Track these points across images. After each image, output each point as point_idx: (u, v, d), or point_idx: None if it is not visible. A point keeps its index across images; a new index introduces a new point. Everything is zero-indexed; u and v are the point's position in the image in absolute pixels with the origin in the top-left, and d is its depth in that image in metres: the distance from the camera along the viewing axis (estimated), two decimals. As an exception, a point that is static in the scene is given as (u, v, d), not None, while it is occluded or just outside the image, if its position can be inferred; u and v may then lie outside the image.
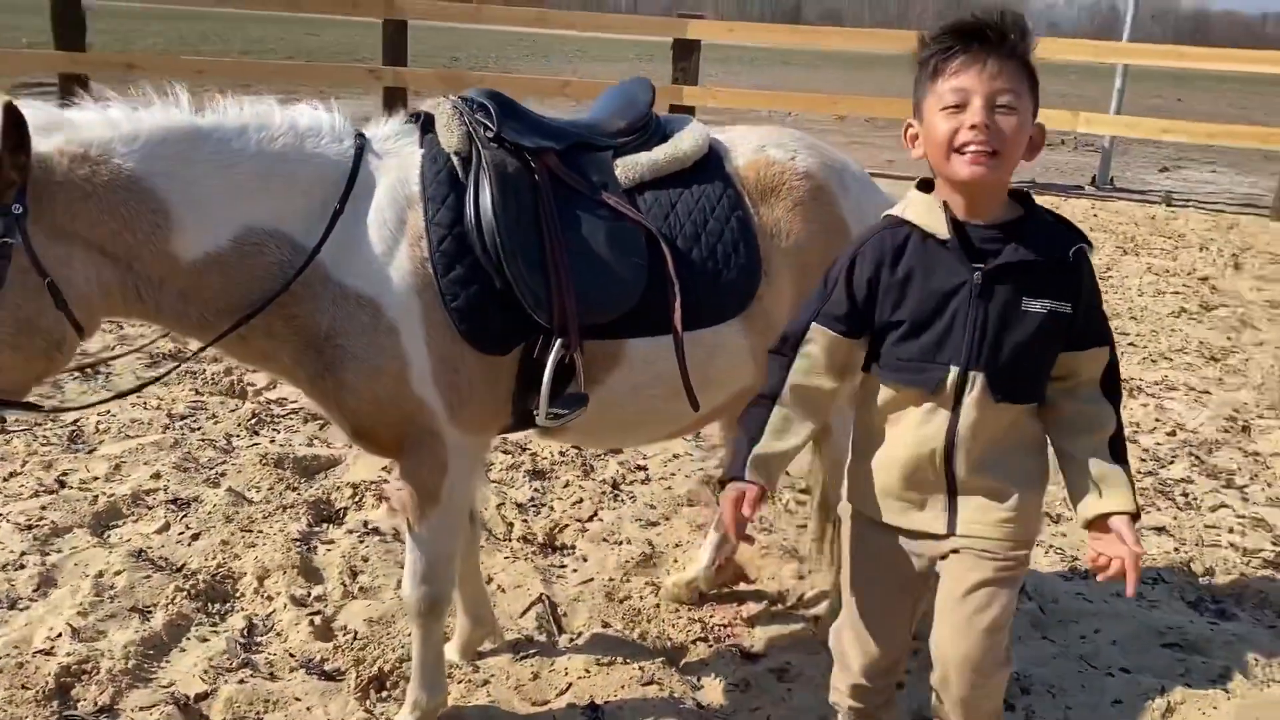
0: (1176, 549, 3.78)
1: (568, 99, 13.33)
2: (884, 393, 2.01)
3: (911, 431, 1.98)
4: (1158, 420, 5.06)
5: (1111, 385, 1.98)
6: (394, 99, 12.12)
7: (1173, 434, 4.92)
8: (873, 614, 2.16)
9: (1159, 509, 4.13)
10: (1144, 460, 4.58)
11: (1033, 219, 1.92)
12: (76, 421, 4.29)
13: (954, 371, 1.91)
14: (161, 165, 2.11)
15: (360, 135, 2.36)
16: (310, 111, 2.34)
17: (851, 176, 2.80)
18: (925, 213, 1.94)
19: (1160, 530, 3.94)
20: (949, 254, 1.90)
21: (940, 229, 1.91)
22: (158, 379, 2.64)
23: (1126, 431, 4.58)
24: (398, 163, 2.35)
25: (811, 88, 23.25)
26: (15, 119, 1.92)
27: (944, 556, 2.06)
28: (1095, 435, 1.96)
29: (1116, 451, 1.96)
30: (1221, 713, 2.83)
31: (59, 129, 2.07)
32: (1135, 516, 1.93)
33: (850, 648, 2.20)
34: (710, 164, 2.60)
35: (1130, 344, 6.31)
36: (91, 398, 4.29)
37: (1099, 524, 1.94)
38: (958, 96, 1.82)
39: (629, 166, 2.51)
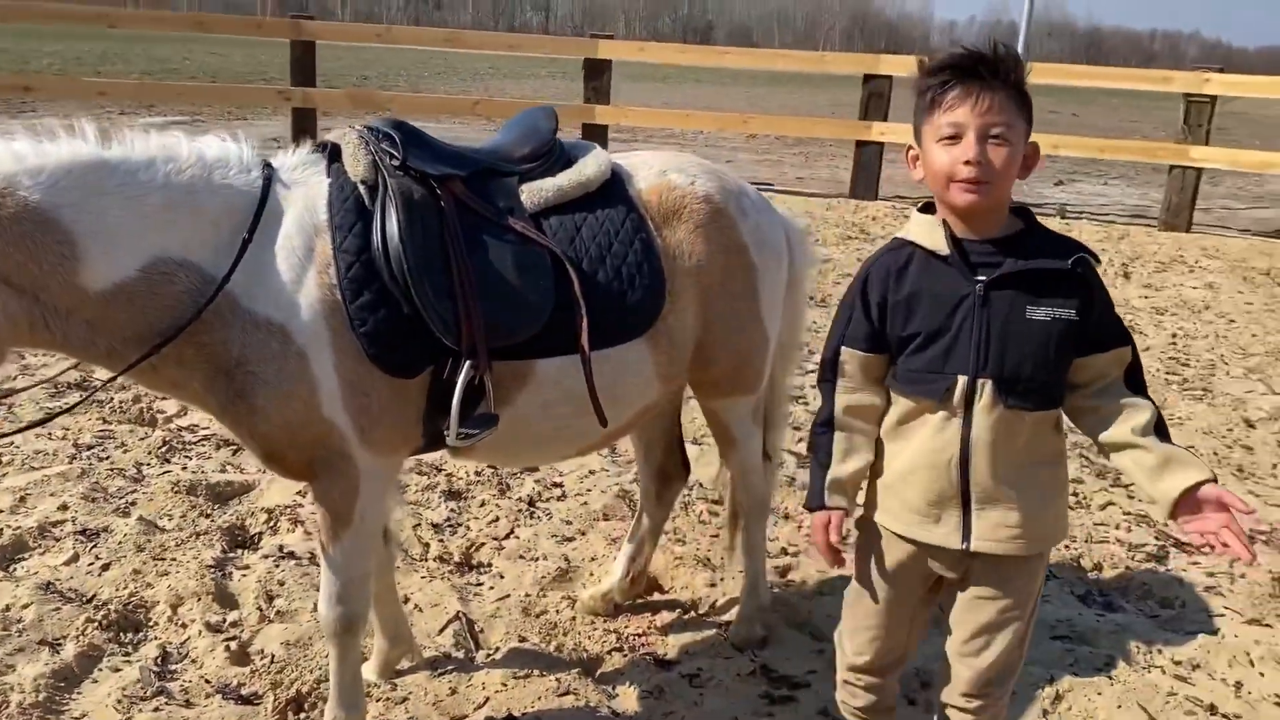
0: (1067, 546, 3.98)
1: (479, 117, 13.40)
2: (900, 405, 2.13)
3: (927, 442, 2.08)
4: (1051, 424, 5.29)
5: (1137, 380, 2.05)
6: (303, 120, 12.04)
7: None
8: (876, 621, 2.26)
9: (1051, 509, 4.33)
10: (1038, 463, 4.79)
11: (1032, 233, 2.05)
12: (-22, 454, 4.21)
13: (962, 380, 2.02)
14: (68, 197, 2.13)
15: (268, 165, 2.41)
16: (218, 143, 2.38)
17: (749, 200, 2.93)
18: (927, 232, 2.07)
19: (1052, 529, 4.13)
20: (951, 269, 2.03)
21: (941, 246, 2.04)
22: (69, 409, 2.64)
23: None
24: (305, 192, 2.40)
25: (723, 106, 23.62)
26: None
27: (961, 576, 2.16)
28: (1140, 424, 2.00)
29: (1163, 434, 2.01)
30: (1105, 698, 3.00)
31: None
32: (1214, 481, 1.95)
33: (850, 653, 2.32)
34: (614, 189, 2.70)
35: (1026, 352, 6.58)
36: (-6, 429, 4.21)
37: (1185, 503, 1.94)
38: (953, 129, 1.96)
39: (534, 192, 2.60)
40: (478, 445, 2.54)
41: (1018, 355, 1.99)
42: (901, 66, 12.51)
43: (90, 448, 4.38)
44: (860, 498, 2.26)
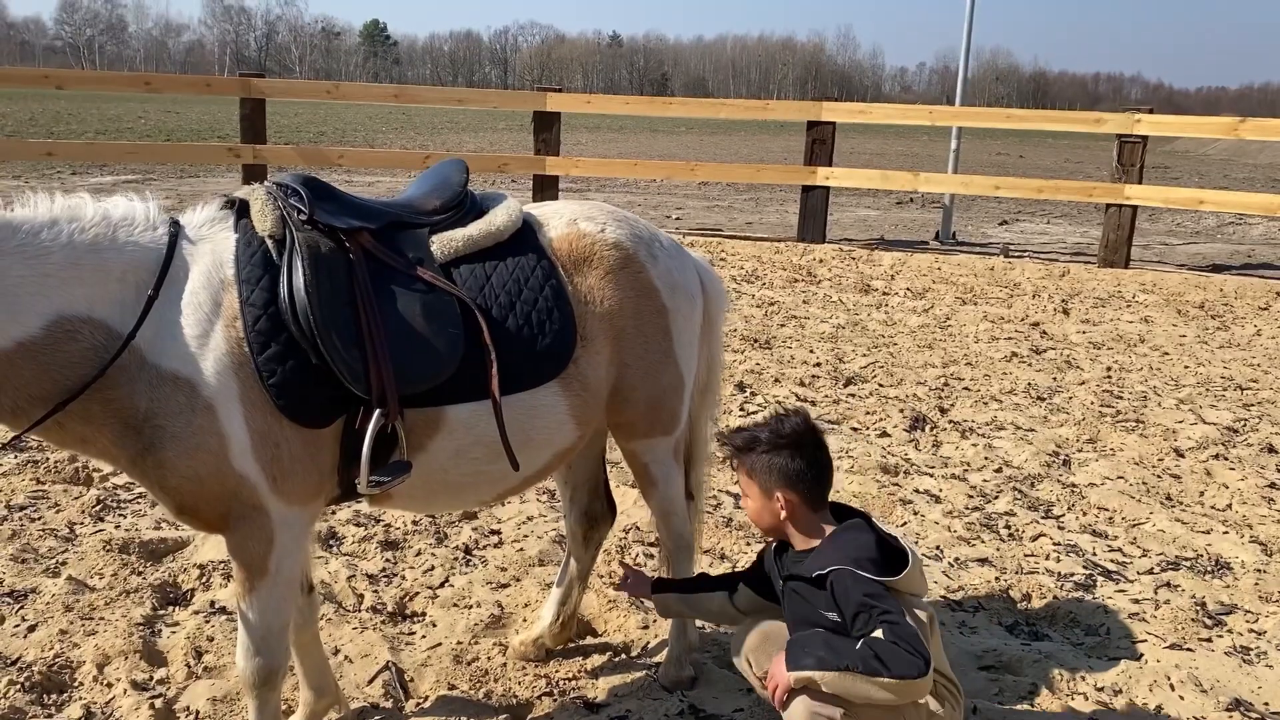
0: (997, 578, 4.05)
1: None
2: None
3: None
4: (986, 459, 5.40)
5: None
6: (254, 176, 12.07)
7: (999, 470, 5.26)
8: None
9: (984, 541, 4.41)
10: (971, 497, 4.88)
11: (823, 543, 2.57)
12: (-95, 519, 4.15)
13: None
14: None
15: (175, 223, 2.45)
16: (125, 203, 2.41)
17: (659, 245, 3.00)
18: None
19: (984, 561, 4.21)
20: (774, 564, 2.74)
21: (772, 550, 2.78)
22: None
23: (958, 470, 4.85)
24: (212, 247, 2.44)
25: (677, 155, 23.92)
26: None
27: None
28: None
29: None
30: (1026, 725, 3.05)
31: None
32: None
33: None
34: (524, 238, 2.77)
35: (965, 388, 6.71)
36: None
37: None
38: None
39: (445, 242, 2.66)
40: (393, 492, 2.56)
41: (803, 628, 2.53)
42: (844, 113, 12.81)
43: (23, 508, 4.34)
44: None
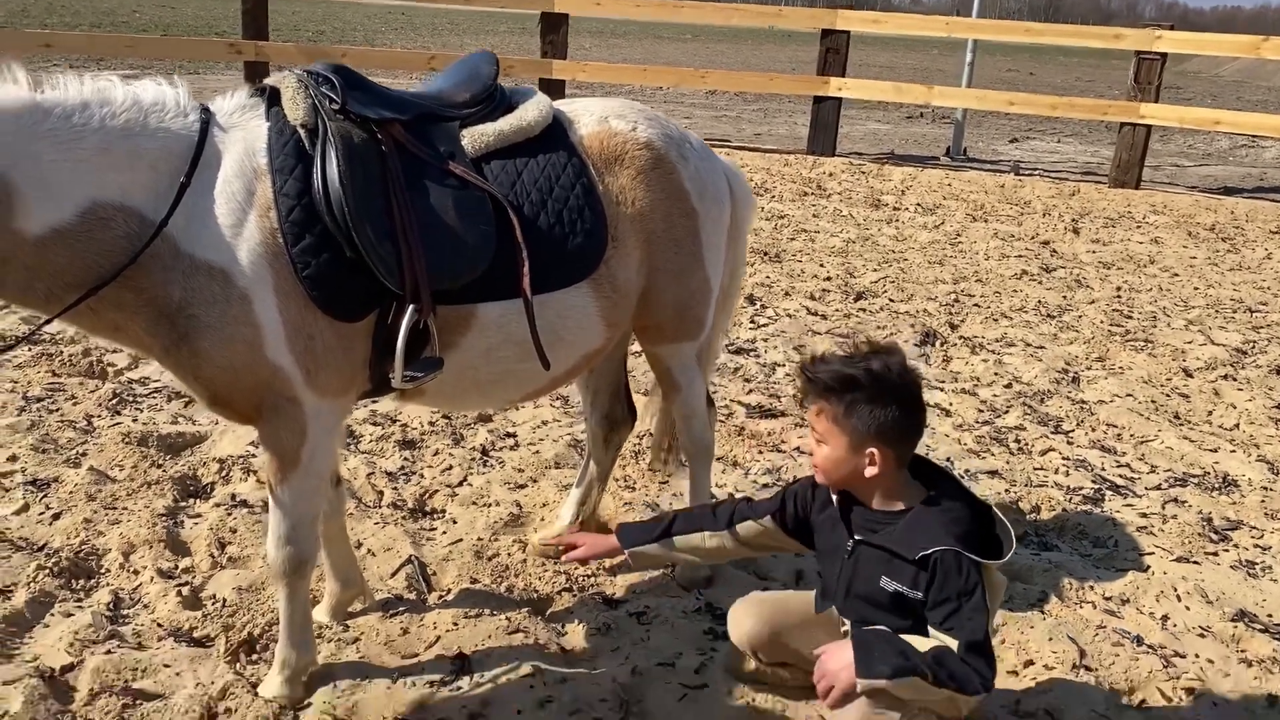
0: (1007, 490, 4.10)
1: (435, 72, 13.30)
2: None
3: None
4: (995, 374, 5.42)
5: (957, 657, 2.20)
6: (256, 74, 11.84)
7: (1009, 386, 5.28)
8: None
9: (993, 454, 4.45)
10: (981, 411, 4.91)
11: (918, 512, 2.34)
12: (-76, 407, 4.17)
13: (833, 610, 2.49)
14: (1, 142, 2.12)
15: (205, 110, 2.40)
16: (154, 87, 2.36)
17: (690, 147, 2.96)
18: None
19: (994, 474, 4.25)
20: (840, 520, 2.46)
21: (834, 499, 2.50)
22: (10, 348, 2.64)
23: (968, 385, 4.87)
24: (244, 135, 2.40)
25: (683, 63, 23.48)
26: None
27: None
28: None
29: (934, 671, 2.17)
30: (1037, 631, 3.11)
31: None
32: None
33: None
34: (555, 134, 2.72)
35: (975, 304, 6.70)
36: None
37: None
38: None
39: (475, 136, 2.62)
40: (424, 389, 2.57)
41: (868, 612, 2.37)
42: (859, 22, 12.55)
43: (39, 400, 4.36)
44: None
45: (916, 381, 2.38)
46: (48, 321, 2.28)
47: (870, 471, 2.33)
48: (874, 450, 2.31)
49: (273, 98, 2.45)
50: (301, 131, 2.39)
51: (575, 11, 12.55)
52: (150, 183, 2.27)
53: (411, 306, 2.40)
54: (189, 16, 30.84)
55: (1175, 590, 3.42)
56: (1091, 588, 3.40)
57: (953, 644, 2.19)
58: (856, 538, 2.39)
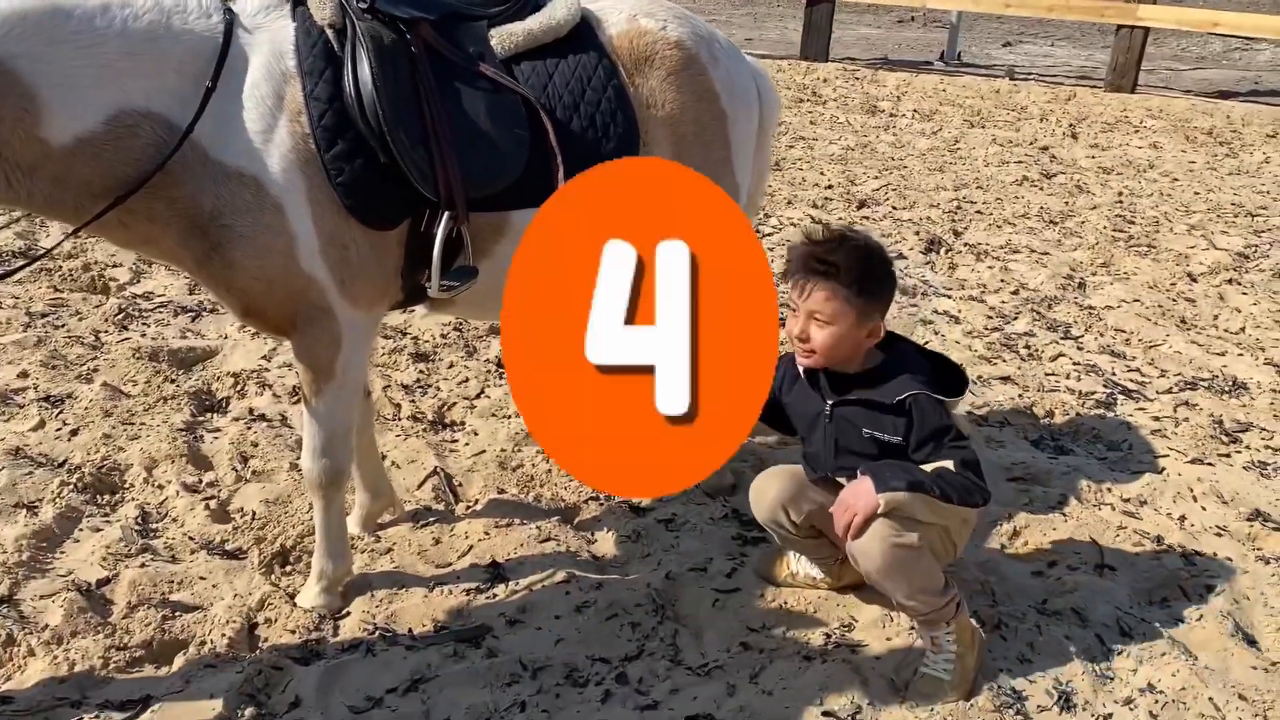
0: (1020, 395, 4.12)
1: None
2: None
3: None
4: (1002, 281, 5.41)
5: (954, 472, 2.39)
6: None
7: (1016, 293, 5.27)
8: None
9: (1005, 360, 4.47)
10: (990, 318, 4.91)
11: (885, 368, 2.48)
12: (-73, 324, 4.10)
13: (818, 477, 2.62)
14: (23, 47, 2.03)
15: (228, 10, 2.31)
16: (173, -15, 2.27)
17: (719, 46, 2.88)
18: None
19: (1006, 379, 4.27)
20: (814, 391, 2.56)
21: (803, 375, 2.58)
22: (33, 262, 2.58)
23: (975, 292, 4.82)
24: (269, 37, 2.31)
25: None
26: None
27: None
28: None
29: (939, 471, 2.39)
30: (1059, 531, 3.16)
31: None
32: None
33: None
34: (584, 34, 2.64)
35: (978, 211, 6.66)
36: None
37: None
38: (794, 305, 2.46)
39: (504, 36, 2.54)
40: (457, 299, 2.54)
41: (858, 463, 2.48)
42: (853, -78, 12.20)
43: (44, 316, 4.29)
44: None
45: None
46: (75, 232, 2.22)
47: (869, 343, 2.46)
48: (879, 323, 2.45)
49: (297, -4, 2.36)
50: (329, 32, 2.31)
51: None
52: (176, 87, 2.19)
53: (446, 214, 2.35)
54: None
55: (1191, 491, 3.47)
56: (1109, 490, 3.44)
57: (944, 466, 2.38)
58: (830, 402, 2.52)
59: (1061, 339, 4.73)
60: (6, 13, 2.03)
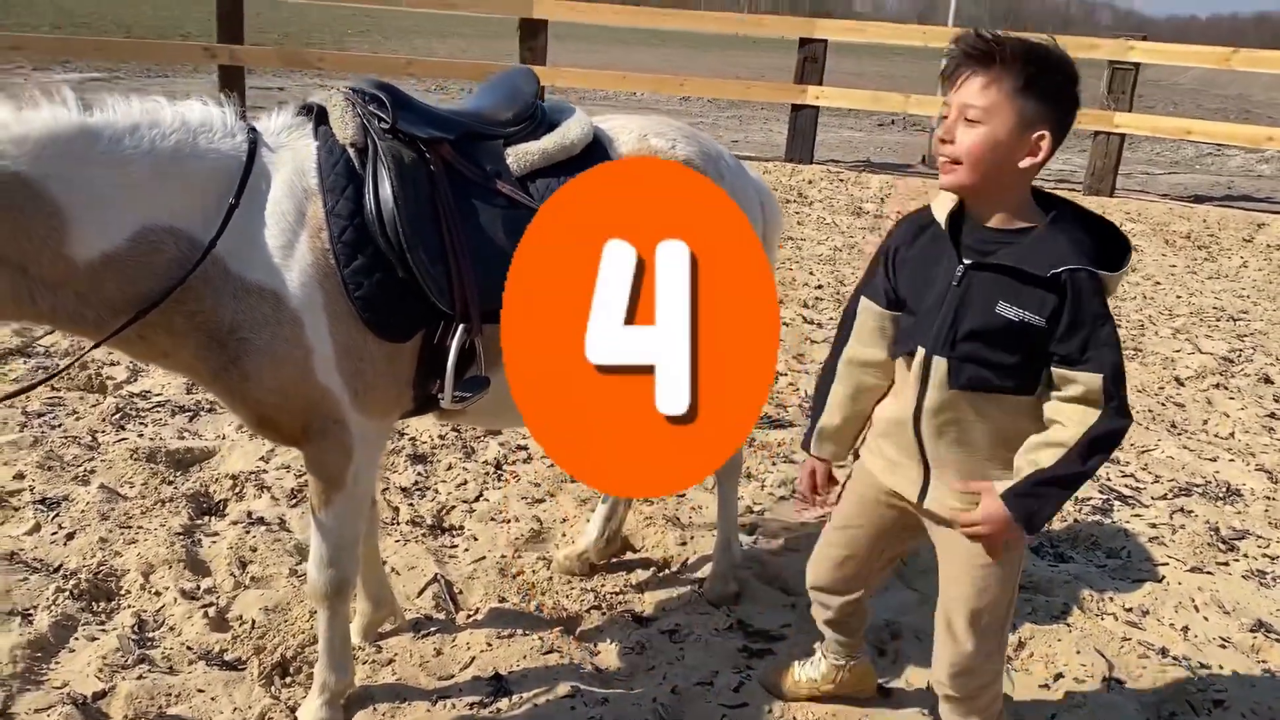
0: (1018, 500, 4.13)
1: (411, 77, 13.15)
2: (894, 361, 2.27)
3: (897, 398, 2.25)
4: (995, 383, 5.46)
5: (1106, 404, 2.01)
6: (231, 78, 11.70)
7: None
8: (838, 544, 2.50)
9: (1000, 465, 4.49)
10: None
11: (1045, 231, 2.03)
12: (-78, 423, 4.08)
13: (921, 354, 2.14)
14: (54, 168, 2.07)
15: (253, 129, 2.37)
16: (200, 107, 2.33)
17: (725, 164, 2.97)
18: (942, 206, 2.16)
19: (1003, 484, 4.29)
20: (948, 246, 2.11)
21: (943, 221, 2.13)
22: (63, 370, 2.59)
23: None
24: (292, 155, 2.37)
25: (656, 68, 23.50)
26: None
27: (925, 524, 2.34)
28: (1045, 443, 2.05)
29: (1052, 465, 2.03)
30: (1064, 644, 3.14)
31: None
32: (1012, 515, 2.06)
33: (810, 572, 2.58)
34: (596, 152, 2.71)
35: (966, 313, 6.75)
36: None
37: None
38: (945, 110, 2.07)
39: (520, 155, 2.60)
40: (468, 408, 2.55)
41: (976, 345, 2.06)
42: (837, 30, 12.63)
43: (40, 415, 4.27)
44: (858, 442, 2.40)
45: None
46: (96, 345, 2.24)
47: (1027, 162, 2.01)
48: (1045, 133, 1.99)
49: (320, 117, 2.42)
50: (351, 150, 2.37)
51: (554, 17, 12.52)
52: (199, 204, 2.24)
53: (461, 326, 2.38)
54: (147, 16, 30.39)
55: (1192, 601, 3.47)
56: (1111, 599, 3.44)
57: (1093, 379, 1.99)
58: (967, 262, 2.07)
59: (1055, 443, 4.76)
60: (39, 134, 2.07)
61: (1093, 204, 10.86)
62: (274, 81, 16.15)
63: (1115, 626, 3.28)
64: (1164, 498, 4.27)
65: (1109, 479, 4.41)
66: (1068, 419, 2.04)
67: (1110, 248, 2.05)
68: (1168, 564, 3.71)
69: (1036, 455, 2.06)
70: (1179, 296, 7.57)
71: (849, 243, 8.58)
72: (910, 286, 2.19)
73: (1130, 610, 3.39)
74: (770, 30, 15.64)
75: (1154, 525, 4.02)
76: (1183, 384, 5.67)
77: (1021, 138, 1.99)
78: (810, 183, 11.22)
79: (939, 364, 2.11)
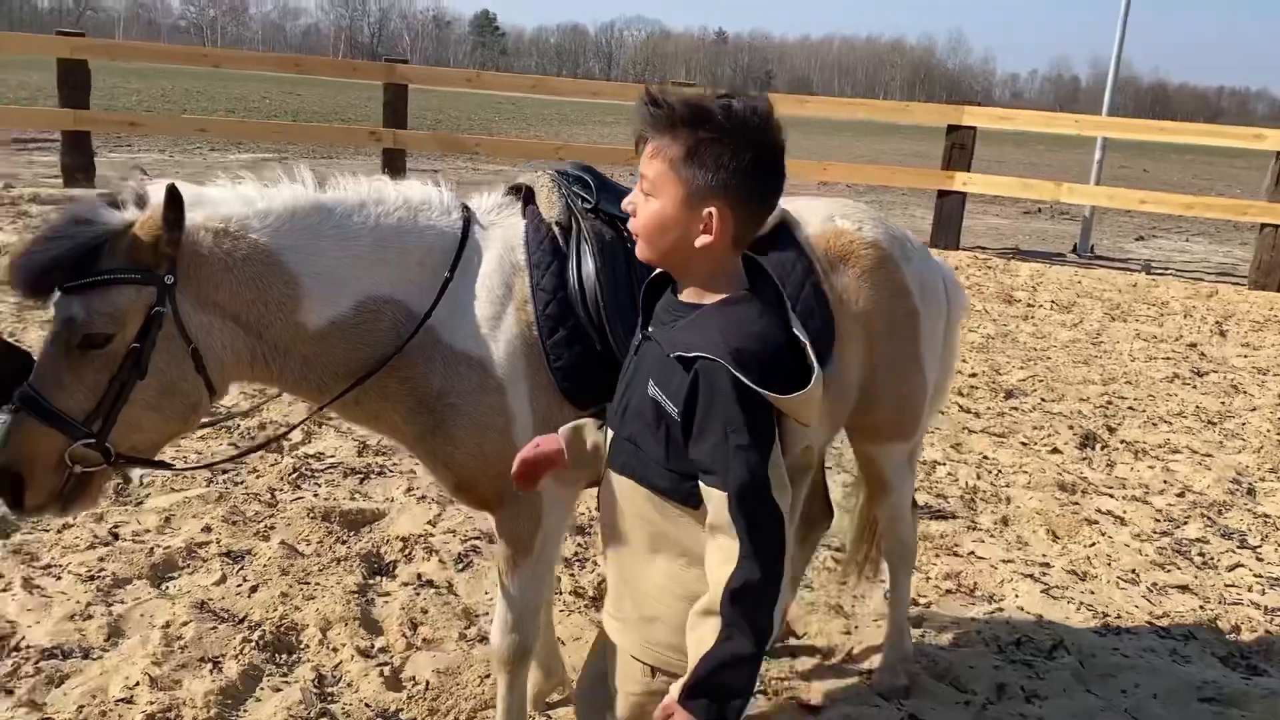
0: (1202, 606, 3.92)
1: (562, 161, 13.70)
2: None
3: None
4: (1165, 482, 5.23)
5: (732, 555, 1.65)
6: (393, 159, 12.33)
7: (1182, 495, 5.09)
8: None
9: (1179, 568, 4.27)
10: (1158, 520, 4.73)
11: (713, 309, 1.76)
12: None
13: (608, 431, 1.93)
14: (291, 239, 2.24)
15: (466, 208, 2.50)
16: (420, 186, 2.48)
17: (911, 246, 2.97)
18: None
19: (1184, 589, 4.08)
20: (641, 309, 1.92)
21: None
22: (289, 431, 2.76)
23: (1138, 492, 4.65)
24: (502, 233, 2.48)
25: (791, 153, 23.75)
26: (175, 199, 2.05)
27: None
28: (706, 609, 1.68)
29: (712, 644, 1.65)
30: (1266, 763, 2.94)
31: (199, 205, 2.20)
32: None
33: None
34: (784, 234, 2.75)
35: (1130, 408, 6.51)
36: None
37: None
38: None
39: (713, 236, 2.66)
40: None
41: (637, 424, 1.80)
42: (986, 118, 12.57)
43: (224, 472, 4.50)
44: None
45: (781, 138, 1.75)
46: (317, 410, 2.37)
47: (702, 241, 1.72)
48: (713, 210, 1.70)
49: (527, 197, 2.54)
50: (556, 229, 2.46)
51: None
52: (416, 276, 2.36)
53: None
54: (314, 102, 32.40)
55: (1407, 726, 3.20)
56: (1313, 718, 3.21)
57: (721, 499, 1.66)
58: (648, 330, 1.85)
59: (1238, 547, 4.51)
60: (280, 210, 2.25)
61: (1260, 299, 10.43)
62: (431, 164, 16.93)
63: (1321, 748, 3.05)
64: (1365, 611, 3.98)
65: (1301, 588, 4.14)
66: (711, 563, 1.69)
67: (801, 361, 1.72)
68: (1375, 684, 3.44)
69: (701, 631, 1.68)
70: (1363, 398, 7.12)
71: (1002, 330, 8.40)
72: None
73: (1337, 731, 3.15)
74: (917, 117, 15.65)
75: (1356, 640, 3.74)
76: (1375, 491, 5.31)
77: (690, 214, 1.72)
78: (957, 269, 11.06)
79: (608, 439, 1.90)
